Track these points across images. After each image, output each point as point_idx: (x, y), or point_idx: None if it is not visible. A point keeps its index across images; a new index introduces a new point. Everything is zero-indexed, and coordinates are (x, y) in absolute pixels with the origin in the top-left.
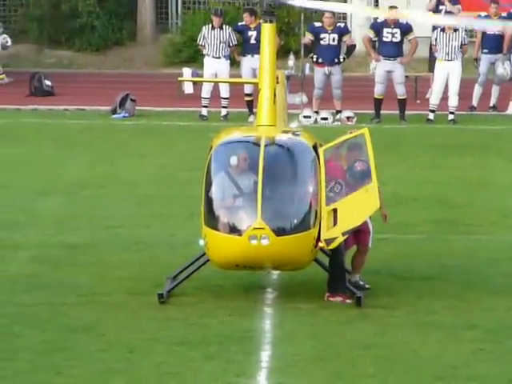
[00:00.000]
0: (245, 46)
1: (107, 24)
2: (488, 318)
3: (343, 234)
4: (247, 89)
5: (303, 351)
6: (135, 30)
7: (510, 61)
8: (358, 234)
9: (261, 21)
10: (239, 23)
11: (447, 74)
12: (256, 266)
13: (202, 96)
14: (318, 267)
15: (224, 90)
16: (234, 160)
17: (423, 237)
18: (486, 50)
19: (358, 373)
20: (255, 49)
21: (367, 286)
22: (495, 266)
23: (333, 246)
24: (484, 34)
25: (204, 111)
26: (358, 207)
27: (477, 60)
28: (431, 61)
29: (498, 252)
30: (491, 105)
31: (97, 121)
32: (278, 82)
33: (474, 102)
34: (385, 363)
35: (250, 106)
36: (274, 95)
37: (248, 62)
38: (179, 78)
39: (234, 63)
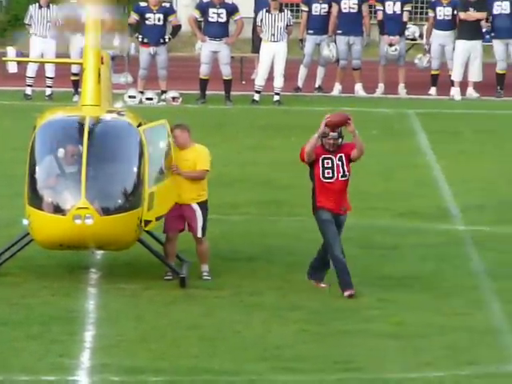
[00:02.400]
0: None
1: None
2: (312, 299)
3: (157, 219)
4: (74, 68)
5: (127, 332)
6: None
7: (335, 42)
8: (188, 223)
9: None
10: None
11: (273, 54)
12: (80, 245)
13: (27, 75)
14: (143, 248)
15: (49, 70)
16: (61, 152)
17: (248, 218)
18: (311, 31)
19: (182, 353)
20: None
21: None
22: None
23: (148, 227)
24: (309, 14)
25: (28, 90)
26: (170, 194)
27: (302, 41)
28: (254, 41)
29: None
30: (316, 86)
31: None
32: (102, 62)
33: (299, 83)
34: (209, 344)
35: (76, 85)
36: (99, 75)
37: (77, 41)
38: (3, 58)
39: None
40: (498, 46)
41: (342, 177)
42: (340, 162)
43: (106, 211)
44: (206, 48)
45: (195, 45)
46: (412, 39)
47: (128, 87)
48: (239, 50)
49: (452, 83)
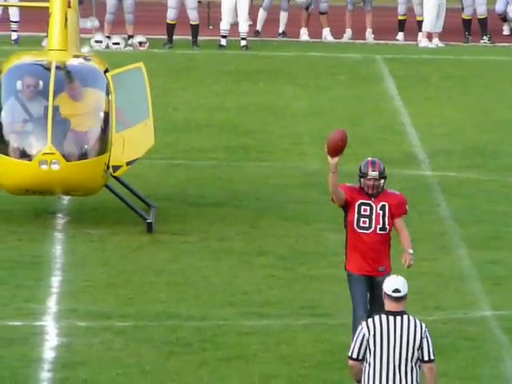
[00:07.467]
0: None
1: None
2: (279, 245)
3: (127, 164)
4: None
5: (94, 277)
6: None
7: None
8: None
9: None
10: None
11: None
12: (46, 191)
13: None
14: (110, 193)
15: (14, 14)
16: (19, 84)
17: (215, 163)
18: None
19: (149, 298)
20: None
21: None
22: (286, 193)
23: (118, 173)
24: None
25: None
26: (140, 139)
27: None
28: None
29: (290, 178)
30: (280, 31)
31: None
32: (69, 7)
33: (258, 27)
34: (176, 289)
35: None
36: (66, 19)
37: None
38: None
39: None
40: None
41: (380, 229)
42: (381, 212)
43: (72, 157)
44: None
45: None
46: None
47: (95, 32)
48: None
49: (419, 28)
